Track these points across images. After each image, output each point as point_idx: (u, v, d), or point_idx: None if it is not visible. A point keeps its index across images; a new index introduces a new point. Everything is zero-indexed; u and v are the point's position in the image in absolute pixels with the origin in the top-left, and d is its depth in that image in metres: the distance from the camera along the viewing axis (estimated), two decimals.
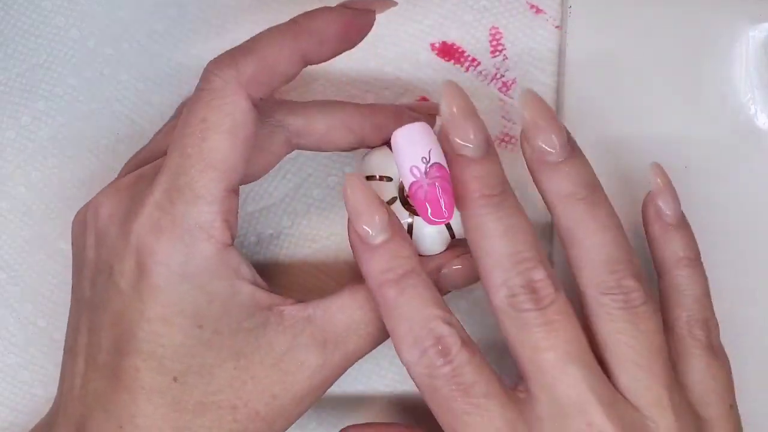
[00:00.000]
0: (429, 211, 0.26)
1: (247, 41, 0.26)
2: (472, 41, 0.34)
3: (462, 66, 0.34)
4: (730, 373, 0.29)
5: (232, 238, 0.26)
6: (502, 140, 0.34)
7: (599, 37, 0.33)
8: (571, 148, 0.27)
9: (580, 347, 0.26)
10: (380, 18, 0.34)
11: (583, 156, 0.28)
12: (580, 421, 0.25)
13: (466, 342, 0.26)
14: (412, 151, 0.26)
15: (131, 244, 0.26)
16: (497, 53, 0.34)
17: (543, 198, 0.28)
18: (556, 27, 0.34)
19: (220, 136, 0.25)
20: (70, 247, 0.34)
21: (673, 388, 0.26)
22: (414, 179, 0.26)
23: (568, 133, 0.27)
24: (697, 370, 0.28)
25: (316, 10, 0.27)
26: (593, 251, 0.27)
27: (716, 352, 0.29)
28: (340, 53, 0.28)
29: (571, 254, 0.27)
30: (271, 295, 0.27)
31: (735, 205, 0.33)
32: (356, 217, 0.26)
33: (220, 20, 0.34)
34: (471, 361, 0.25)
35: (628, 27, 0.33)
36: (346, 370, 0.28)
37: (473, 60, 0.34)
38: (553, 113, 0.27)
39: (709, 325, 0.29)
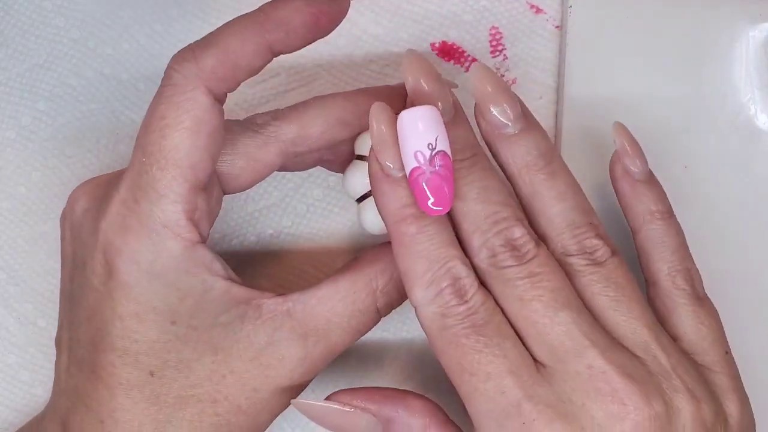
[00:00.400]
0: (431, 200, 0.25)
1: (210, 33, 0.26)
2: (472, 41, 0.34)
3: (462, 66, 0.34)
4: (720, 321, 0.29)
5: (201, 235, 0.26)
6: None
7: (599, 37, 0.33)
8: (526, 119, 0.27)
9: (567, 294, 0.25)
10: (380, 18, 0.34)
11: (539, 126, 0.28)
12: (579, 365, 0.25)
13: (481, 286, 0.25)
14: (418, 135, 0.25)
15: (99, 242, 0.26)
16: (497, 53, 0.34)
17: (502, 170, 0.28)
18: (556, 27, 0.34)
19: (180, 134, 0.25)
20: None
21: (658, 329, 0.26)
22: (417, 165, 0.25)
23: (522, 104, 0.27)
24: (686, 319, 0.28)
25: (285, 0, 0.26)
26: (555, 220, 0.27)
27: (702, 301, 0.29)
28: (312, 42, 0.26)
29: (535, 224, 0.27)
30: (247, 290, 0.27)
31: (735, 205, 0.33)
32: (381, 149, 0.25)
33: (221, 20, 0.34)
34: (486, 303, 0.25)
35: (628, 27, 0.33)
36: (328, 363, 0.27)
37: (473, 60, 0.34)
38: (505, 85, 0.27)
39: (692, 274, 0.29)
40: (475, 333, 0.25)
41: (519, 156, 0.27)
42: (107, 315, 0.25)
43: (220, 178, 0.28)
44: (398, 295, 0.28)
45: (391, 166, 0.25)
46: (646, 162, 0.29)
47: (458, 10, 0.34)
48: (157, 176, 0.25)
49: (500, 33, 0.34)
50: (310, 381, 0.28)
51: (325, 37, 0.34)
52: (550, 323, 0.25)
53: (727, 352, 0.28)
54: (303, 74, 0.34)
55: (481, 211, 0.26)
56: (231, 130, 0.27)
